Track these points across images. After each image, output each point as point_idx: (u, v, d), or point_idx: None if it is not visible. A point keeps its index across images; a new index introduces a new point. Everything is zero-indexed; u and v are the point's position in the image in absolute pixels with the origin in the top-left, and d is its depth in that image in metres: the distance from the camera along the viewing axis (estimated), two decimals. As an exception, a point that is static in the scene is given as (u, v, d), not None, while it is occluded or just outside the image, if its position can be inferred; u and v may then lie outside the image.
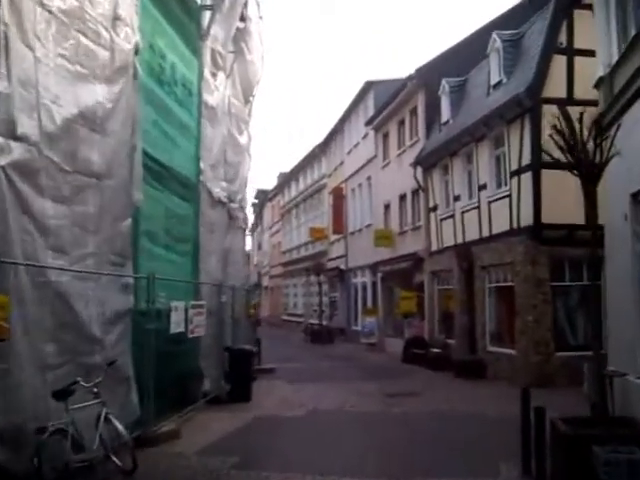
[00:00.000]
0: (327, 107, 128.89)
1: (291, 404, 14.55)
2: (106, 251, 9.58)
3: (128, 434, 8.39)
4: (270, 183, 60.88)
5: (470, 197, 20.08)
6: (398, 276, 27.08)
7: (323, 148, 42.17)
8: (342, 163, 37.51)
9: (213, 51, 16.29)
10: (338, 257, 37.75)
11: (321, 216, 42.05)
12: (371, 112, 30.67)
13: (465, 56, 22.66)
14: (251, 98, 21.33)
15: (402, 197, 26.87)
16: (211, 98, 15.84)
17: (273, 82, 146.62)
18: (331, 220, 38.24)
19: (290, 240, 52.87)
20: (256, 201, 72.76)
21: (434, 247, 22.89)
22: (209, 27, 15.28)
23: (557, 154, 8.53)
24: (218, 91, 16.53)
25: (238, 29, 18.25)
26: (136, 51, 10.60)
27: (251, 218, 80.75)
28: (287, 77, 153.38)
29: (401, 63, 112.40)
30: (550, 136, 8.12)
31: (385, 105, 27.90)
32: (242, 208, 19.91)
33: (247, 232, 28.82)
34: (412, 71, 24.23)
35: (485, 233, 18.70)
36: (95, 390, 8.08)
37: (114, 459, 8.21)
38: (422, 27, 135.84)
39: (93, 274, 9.00)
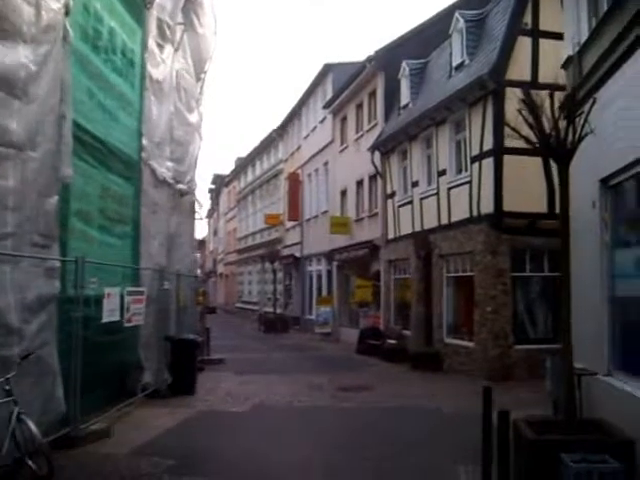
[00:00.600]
0: (287, 90, 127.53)
1: (236, 398, 13.69)
2: (28, 231, 8.55)
3: (41, 435, 7.42)
4: (228, 168, 59.48)
5: (429, 183, 19.41)
6: (354, 264, 26.38)
7: (280, 132, 41.18)
8: (299, 148, 36.61)
9: (160, 21, 15.25)
10: (293, 244, 36.89)
11: (277, 202, 41.08)
12: (329, 96, 29.82)
13: (427, 38, 22.02)
14: (203, 75, 20.33)
15: (359, 183, 26.12)
16: (156, 71, 14.82)
17: (232, 62, 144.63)
18: (287, 206, 37.32)
19: (246, 227, 51.82)
20: (213, 187, 71.54)
21: (391, 235, 22.20)
22: (155, -7, 14.21)
23: (524, 133, 7.76)
24: (165, 64, 15.52)
25: (188, 0, 17.22)
26: (66, 11, 9.56)
27: (208, 204, 79.70)
28: (246, 58, 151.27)
29: (362, 46, 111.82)
30: (519, 111, 7.35)
31: (343, 88, 27.07)
32: (191, 190, 18.92)
33: (202, 217, 27.74)
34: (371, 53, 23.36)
35: (444, 221, 18.06)
36: (7, 387, 7.13)
37: (29, 463, 7.27)
38: (385, 10, 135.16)
39: (11, 256, 8.02)
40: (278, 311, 37.65)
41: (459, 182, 17.29)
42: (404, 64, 21.56)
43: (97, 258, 10.78)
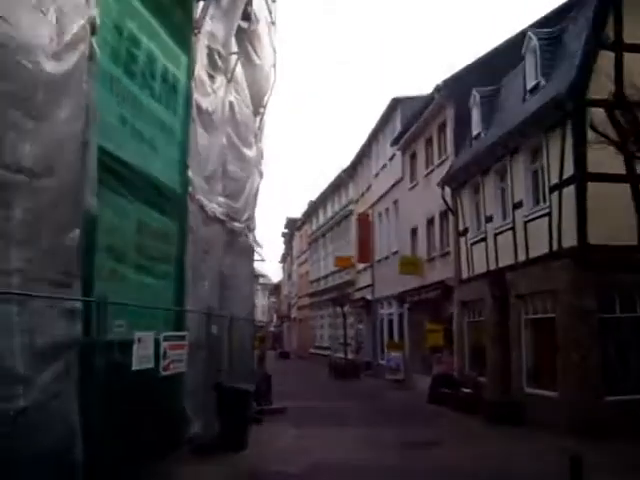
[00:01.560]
0: (358, 128, 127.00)
1: (292, 455, 12.39)
2: (42, 267, 7.58)
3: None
4: (301, 211, 58.79)
5: (504, 217, 17.88)
6: (426, 306, 24.83)
7: (350, 173, 40.27)
8: (369, 188, 35.52)
9: (211, 49, 14.49)
10: (365, 287, 35.59)
11: (348, 244, 39.94)
12: (398, 132, 28.67)
13: (498, 65, 20.63)
14: (262, 109, 19.57)
15: (430, 221, 24.72)
16: (206, 101, 13.99)
17: (301, 102, 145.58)
18: (357, 248, 36.13)
19: (317, 270, 50.90)
20: (286, 231, 71.26)
21: (464, 274, 20.65)
22: (202, 19, 13.45)
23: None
24: (216, 95, 14.71)
25: (242, 29, 16.48)
26: (92, 29, 8.77)
27: (281, 248, 79.36)
28: (315, 96, 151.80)
29: (431, 80, 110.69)
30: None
31: (411, 122, 25.91)
32: (249, 229, 18.00)
33: (263, 258, 26.85)
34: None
35: (521, 257, 16.46)
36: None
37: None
38: (454, 42, 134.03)
39: (17, 295, 7.05)
40: (350, 356, 36.27)
41: (537, 214, 15.73)
42: (474, 92, 20.25)
43: (132, 299, 9.80)
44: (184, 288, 12.55)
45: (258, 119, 19.50)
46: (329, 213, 47.52)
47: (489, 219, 18.66)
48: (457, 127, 22.04)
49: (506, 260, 17.32)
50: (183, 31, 12.91)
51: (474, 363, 20.16)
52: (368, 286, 34.74)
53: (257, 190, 19.07)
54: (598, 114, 11.95)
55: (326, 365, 37.34)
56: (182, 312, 12.34)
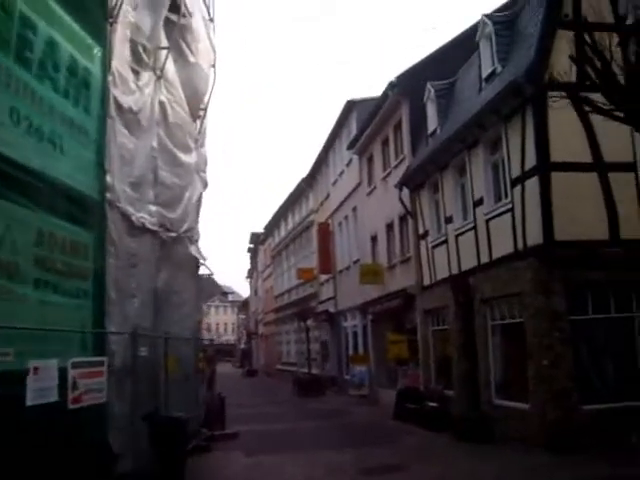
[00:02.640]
0: (316, 134, 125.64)
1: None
2: None
3: None
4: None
5: (465, 217, 16.67)
6: (389, 317, 23.52)
7: (309, 182, 38.97)
8: (328, 196, 34.23)
9: (134, 42, 13.11)
10: (328, 299, 34.19)
11: (311, 256, 38.53)
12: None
13: (453, 58, 19.62)
14: (201, 112, 18.14)
15: (389, 226, 23.46)
16: (129, 99, 12.56)
17: (254, 108, 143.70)
18: (318, 259, 34.75)
19: (281, 284, 49.42)
20: (251, 245, 69.62)
21: (426, 281, 19.38)
22: (118, 7, 11.99)
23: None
24: (142, 92, 13.30)
25: (172, 22, 15.11)
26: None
27: (247, 263, 77.58)
28: (268, 103, 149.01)
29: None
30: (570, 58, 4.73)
31: (367, 124, 24.68)
32: (190, 240, 16.52)
33: (212, 273, 25.49)
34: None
35: (484, 259, 15.24)
36: None
37: None
38: (408, 42, 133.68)
39: None
40: (315, 371, 34.87)
41: (499, 211, 14.53)
42: (428, 86, 19.07)
43: (33, 321, 8.39)
44: (104, 307, 11.06)
45: (198, 123, 18.07)
46: (290, 225, 46.14)
47: (449, 220, 17.44)
48: (413, 125, 20.85)
49: (469, 263, 16.09)
50: (96, 19, 11.46)
51: (440, 375, 18.86)
52: (331, 298, 33.37)
53: (199, 198, 17.61)
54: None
55: (291, 382, 35.82)
56: (101, 334, 10.84)
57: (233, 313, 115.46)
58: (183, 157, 16.03)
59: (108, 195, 11.28)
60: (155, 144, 14.02)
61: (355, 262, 27.92)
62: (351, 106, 28.35)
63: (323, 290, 35.67)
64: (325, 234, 33.55)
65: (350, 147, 27.56)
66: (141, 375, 12.18)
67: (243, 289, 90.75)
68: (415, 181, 19.75)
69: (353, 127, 28.12)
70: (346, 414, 21.81)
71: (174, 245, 15.10)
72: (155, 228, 13.67)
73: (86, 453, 9.97)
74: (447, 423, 15.74)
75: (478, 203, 15.56)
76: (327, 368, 34.59)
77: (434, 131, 18.93)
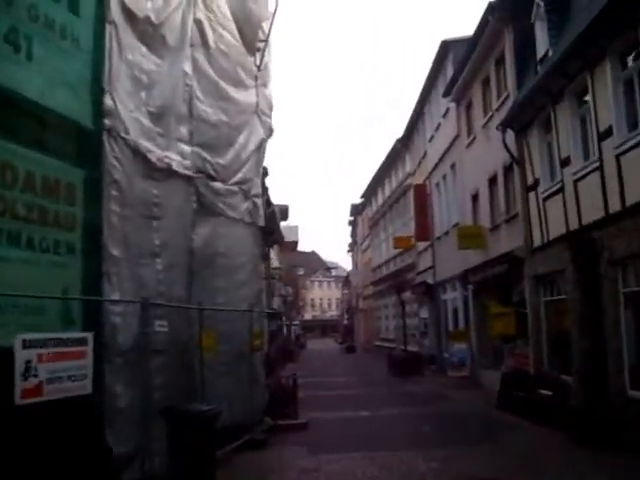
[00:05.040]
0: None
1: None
2: None
3: None
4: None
5: (586, 156, 13.10)
6: (493, 287, 20.12)
7: (405, 142, 35.59)
8: (425, 155, 30.81)
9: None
10: (426, 269, 30.92)
11: (408, 223, 35.20)
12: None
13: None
14: (260, 44, 15.28)
15: (492, 180, 19.94)
16: (146, 6, 9.97)
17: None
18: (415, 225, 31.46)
19: (379, 255, 46.41)
20: (352, 218, 66.81)
21: (537, 241, 15.87)
22: None
23: None
24: (167, 2, 10.60)
25: None
26: None
27: (348, 237, 74.77)
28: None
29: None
30: None
31: (464, 63, 21.13)
32: (246, 195, 13.80)
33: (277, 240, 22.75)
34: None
35: (615, 207, 11.66)
36: None
37: None
38: None
39: None
40: (413, 349, 31.83)
41: (634, 141, 10.94)
42: (537, 0, 15.39)
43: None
44: (102, 267, 8.46)
45: (258, 56, 15.24)
46: (387, 191, 42.90)
47: (565, 162, 13.86)
48: (518, 55, 17.23)
49: (593, 214, 12.53)
50: None
51: (555, 356, 15.35)
52: (429, 268, 30.07)
53: (261, 146, 14.87)
54: None
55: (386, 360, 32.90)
56: (96, 304, 8.27)
57: (337, 288, 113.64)
58: (234, 92, 13.33)
59: (107, 122, 8.64)
60: (189, 70, 11.32)
61: (454, 226, 24.51)
62: (446, 47, 24.76)
63: (421, 260, 32.43)
64: (422, 197, 30.19)
65: (446, 94, 24.05)
66: (166, 357, 9.67)
67: (347, 264, 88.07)
68: (522, 120, 16.17)
69: (450, 73, 24.55)
70: (442, 400, 18.67)
71: (221, 197, 12.41)
72: (189, 173, 11.06)
73: (77, 459, 7.54)
74: (564, 418, 12.40)
75: (605, 135, 11.96)
76: (426, 345, 31.42)
77: (545, 55, 15.26)
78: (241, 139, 13.64)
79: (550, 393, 13.78)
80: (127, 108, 9.17)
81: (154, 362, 9.24)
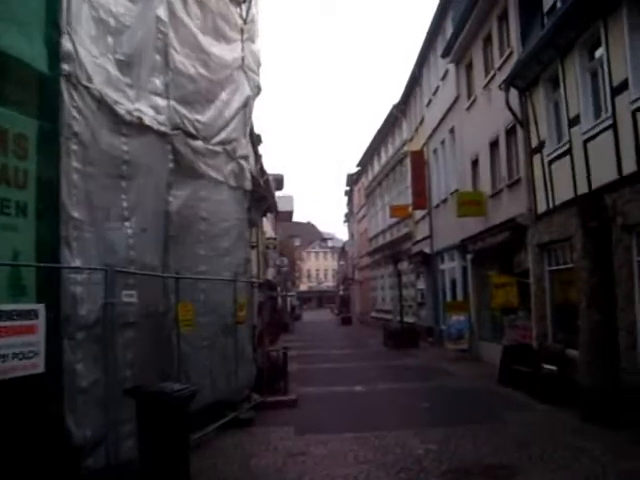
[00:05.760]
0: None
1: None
2: None
3: None
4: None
5: (597, 113, 12.12)
6: (493, 256, 19.22)
7: (402, 108, 34.43)
8: (422, 121, 29.72)
9: None
10: (423, 239, 30.00)
11: (405, 192, 34.20)
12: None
13: None
14: (244, -2, 14.18)
15: (493, 144, 18.94)
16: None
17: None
18: (412, 193, 30.47)
19: (375, 225, 45.45)
20: (348, 188, 65.79)
21: (542, 207, 14.93)
22: None
23: None
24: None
25: None
26: None
27: (344, 207, 73.66)
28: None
29: None
30: None
31: (464, 20, 20.00)
32: (230, 155, 12.82)
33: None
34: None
35: (629, 167, 10.71)
36: None
37: None
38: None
39: None
40: (410, 320, 31.06)
41: (654, 96, 9.97)
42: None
43: None
44: (61, 231, 7.51)
45: (244, 8, 14.16)
46: (383, 159, 41.82)
47: (574, 121, 12.87)
48: (522, 9, 16.18)
49: (604, 176, 11.58)
50: None
51: (560, 329, 14.51)
52: (426, 238, 29.16)
53: (247, 104, 13.85)
54: None
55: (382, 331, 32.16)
56: (53, 272, 7.34)
57: (333, 259, 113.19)
58: (215, 45, 12.30)
59: (66, 67, 7.62)
60: (164, 16, 10.25)
61: (453, 193, 23.55)
62: (446, 5, 23.60)
63: (418, 229, 31.50)
64: (419, 164, 29.16)
65: (445, 54, 22.91)
66: (138, 331, 8.79)
67: (344, 234, 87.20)
68: (526, 77, 15.13)
69: (449, 33, 23.39)
70: (440, 374, 17.88)
71: (202, 157, 11.43)
72: (164, 129, 10.03)
73: (28, 444, 6.70)
74: (572, 395, 11.61)
75: (618, 90, 10.97)
76: (422, 317, 30.64)
77: (552, 7, 14.21)
78: (224, 96, 12.62)
79: (554, 368, 12.97)
80: (90, 53, 8.15)
81: (124, 336, 8.43)
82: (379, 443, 9.90)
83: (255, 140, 33.12)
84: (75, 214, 7.62)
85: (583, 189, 12.51)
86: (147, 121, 9.42)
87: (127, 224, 8.87)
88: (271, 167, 65.33)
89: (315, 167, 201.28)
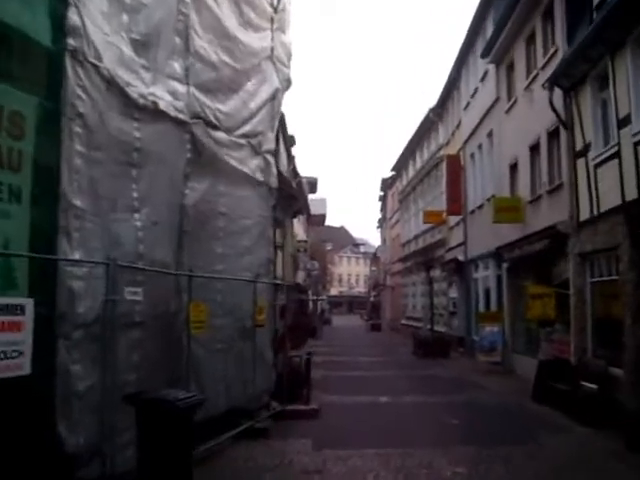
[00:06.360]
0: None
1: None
2: None
3: None
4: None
5: (651, 113, 11.25)
6: (530, 265, 18.29)
7: (439, 111, 33.58)
8: (459, 124, 28.83)
9: None
10: (457, 245, 29.08)
11: (440, 197, 33.30)
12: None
13: None
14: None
15: (533, 148, 18.03)
16: None
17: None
18: (447, 198, 29.57)
19: (408, 230, 44.56)
20: (382, 193, 64.99)
21: (584, 214, 14.02)
22: None
23: None
24: None
25: None
26: None
27: (378, 213, 72.66)
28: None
29: None
30: None
31: (506, 18, 19.13)
32: (256, 149, 12.17)
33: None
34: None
35: (685, 172, 9.83)
36: None
37: None
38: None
39: None
40: (441, 329, 30.15)
41: None
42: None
43: None
44: (59, 220, 6.90)
45: (273, -2, 13.52)
46: (418, 163, 40.95)
47: (624, 122, 11.96)
48: (569, 4, 15.30)
49: (657, 181, 10.70)
50: None
51: (601, 345, 13.57)
52: (460, 244, 28.24)
53: (275, 96, 13.20)
54: None
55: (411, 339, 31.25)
56: (49, 265, 6.73)
57: (365, 265, 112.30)
58: (241, 32, 11.68)
59: (72, 42, 7.01)
60: (188, -1, 9.62)
61: (489, 199, 22.62)
62: (487, 4, 22.71)
63: (452, 235, 30.59)
64: (455, 168, 28.28)
65: (485, 54, 22.03)
66: (145, 332, 8.16)
67: (376, 241, 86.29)
68: (572, 76, 14.25)
69: (489, 34, 22.49)
70: (471, 387, 16.98)
71: (224, 149, 10.78)
72: (183, 116, 9.39)
73: (18, 452, 6.09)
74: (613, 418, 10.71)
75: (676, 88, 10.10)
76: (454, 326, 29.70)
77: (602, 0, 13.33)
78: (249, 86, 11.98)
79: (595, 387, 12.04)
80: (101, 30, 7.55)
81: (128, 337, 7.81)
82: (403, 462, 9.14)
83: (288, 141, 32.72)
84: (76, 202, 7.00)
85: (632, 195, 11.59)
86: (163, 106, 8.80)
87: (136, 216, 8.24)
88: (305, 170, 64.70)
89: (350, 172, 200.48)
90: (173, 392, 7.37)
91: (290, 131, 31.31)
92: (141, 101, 8.31)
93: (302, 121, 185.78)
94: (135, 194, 8.21)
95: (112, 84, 7.71)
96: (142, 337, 8.09)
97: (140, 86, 8.33)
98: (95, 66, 7.36)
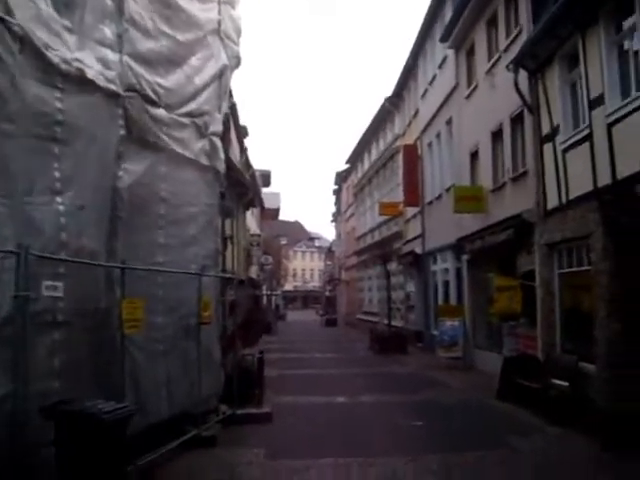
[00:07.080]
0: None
1: None
2: None
3: None
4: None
5: (625, 92, 10.51)
6: (493, 257, 17.58)
7: (395, 101, 32.80)
8: (416, 113, 28.08)
9: None
10: (414, 238, 28.34)
11: (396, 189, 32.57)
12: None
13: None
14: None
15: (496, 134, 17.31)
16: None
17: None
18: (403, 190, 28.83)
19: (364, 224, 43.79)
20: (336, 187, 64.15)
21: (552, 202, 13.32)
22: None
23: None
24: None
25: None
26: None
27: (332, 207, 71.87)
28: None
29: None
30: None
31: (465, 1, 18.36)
32: (200, 130, 11.09)
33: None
34: None
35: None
36: None
37: None
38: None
39: None
40: (398, 324, 29.46)
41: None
42: None
43: None
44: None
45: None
46: (374, 155, 40.17)
47: (596, 102, 11.23)
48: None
49: (634, 164, 9.96)
50: None
51: (571, 339, 12.88)
52: (418, 237, 27.51)
53: (223, 74, 12.14)
54: None
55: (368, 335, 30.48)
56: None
57: (320, 259, 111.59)
58: (184, 0, 10.53)
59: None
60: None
61: (448, 189, 21.90)
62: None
63: (409, 228, 29.86)
64: (412, 159, 27.52)
65: (444, 39, 21.25)
66: (70, 332, 7.07)
67: (331, 235, 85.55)
68: (538, 56, 13.51)
69: (448, 19, 21.71)
70: (432, 385, 16.19)
71: (164, 128, 9.70)
72: (115, 88, 8.27)
73: None
74: (586, 417, 9.98)
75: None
76: (411, 320, 29.01)
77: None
78: (194, 61, 10.89)
79: (566, 384, 11.33)
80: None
81: (49, 339, 6.72)
82: (364, 473, 8.26)
83: (241, 131, 31.61)
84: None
85: (605, 180, 10.88)
86: (90, 75, 7.67)
87: (59, 199, 7.11)
88: (259, 163, 63.57)
89: (304, 166, 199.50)
90: (100, 403, 6.31)
91: (243, 122, 30.21)
92: (64, 67, 7.18)
93: (255, 113, 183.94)
94: (57, 174, 7.09)
95: (27, 45, 6.59)
96: (66, 338, 6.99)
97: (62, 50, 7.21)
98: (5, 23, 6.24)
